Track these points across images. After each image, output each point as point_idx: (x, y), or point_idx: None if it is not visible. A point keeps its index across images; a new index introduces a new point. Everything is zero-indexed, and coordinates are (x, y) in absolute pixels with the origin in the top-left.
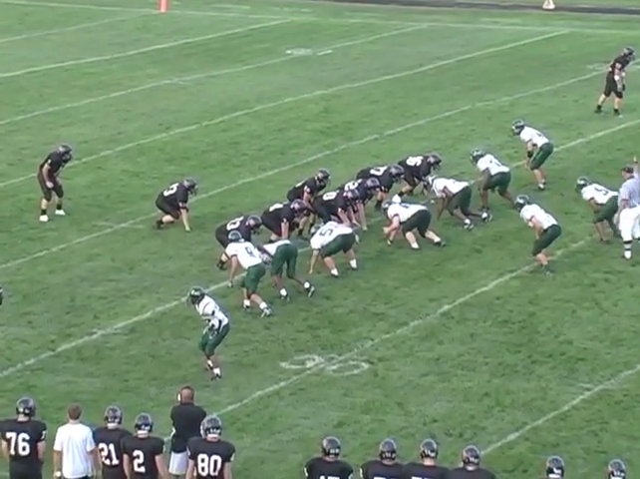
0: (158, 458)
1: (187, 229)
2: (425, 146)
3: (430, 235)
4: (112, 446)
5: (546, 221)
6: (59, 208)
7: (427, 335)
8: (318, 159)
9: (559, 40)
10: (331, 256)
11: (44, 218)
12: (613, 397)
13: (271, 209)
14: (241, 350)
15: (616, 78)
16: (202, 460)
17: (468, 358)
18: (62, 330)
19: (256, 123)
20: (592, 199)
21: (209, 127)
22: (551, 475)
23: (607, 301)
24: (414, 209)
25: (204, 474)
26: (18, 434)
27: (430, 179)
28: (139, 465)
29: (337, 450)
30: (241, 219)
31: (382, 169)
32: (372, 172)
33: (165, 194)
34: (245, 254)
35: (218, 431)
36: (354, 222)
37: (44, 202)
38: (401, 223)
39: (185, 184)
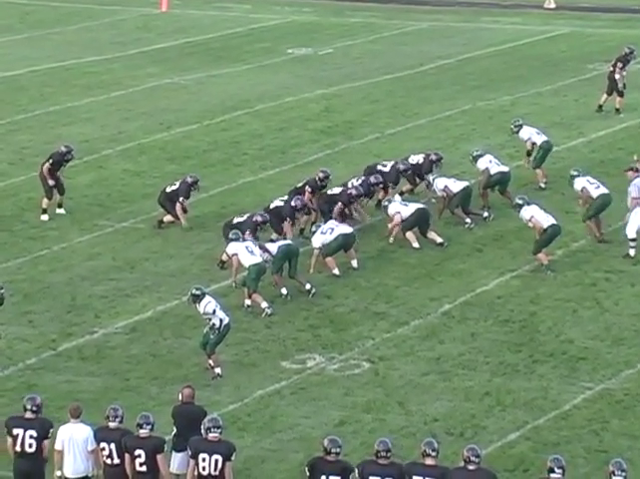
0: (159, 457)
1: (184, 224)
2: (425, 145)
3: (432, 235)
4: (113, 445)
5: (546, 220)
6: (60, 206)
7: (428, 335)
8: (319, 158)
9: (560, 39)
10: (332, 256)
11: (45, 217)
12: (614, 396)
13: (272, 206)
14: (242, 350)
15: (616, 77)
16: (203, 459)
17: (468, 358)
18: (63, 329)
19: (257, 122)
20: (584, 189)
21: (210, 126)
22: (552, 474)
23: (608, 301)
24: (413, 207)
25: (205, 473)
26: (25, 431)
27: (431, 178)
28: (140, 464)
29: (338, 449)
30: (249, 214)
31: (389, 164)
32: (379, 167)
33: (168, 189)
34: (246, 253)
35: (219, 430)
36: (356, 216)
37: (45, 201)
38: (402, 220)
39: (189, 180)
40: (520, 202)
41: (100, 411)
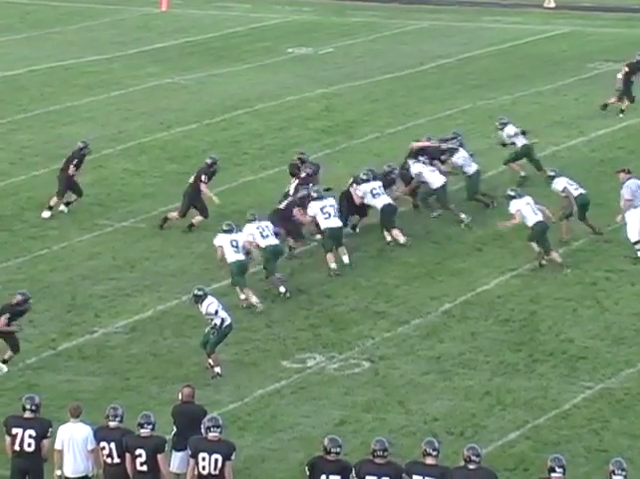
0: (160, 457)
1: (215, 200)
2: None
3: (395, 233)
4: (113, 445)
5: (532, 217)
6: (67, 204)
7: (428, 334)
8: (319, 157)
9: (560, 39)
10: (331, 252)
11: (46, 214)
12: (614, 396)
13: (281, 206)
14: (242, 349)
15: (618, 76)
16: (203, 459)
17: (469, 357)
18: (63, 329)
19: (257, 122)
20: (565, 189)
21: (210, 125)
22: (553, 474)
23: (608, 300)
24: (439, 177)
25: (205, 473)
26: (25, 430)
27: (411, 162)
28: (141, 464)
29: (338, 449)
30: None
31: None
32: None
33: (191, 180)
34: (229, 249)
35: (219, 430)
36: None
37: (54, 199)
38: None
39: (208, 161)
40: (512, 193)
41: (100, 411)
